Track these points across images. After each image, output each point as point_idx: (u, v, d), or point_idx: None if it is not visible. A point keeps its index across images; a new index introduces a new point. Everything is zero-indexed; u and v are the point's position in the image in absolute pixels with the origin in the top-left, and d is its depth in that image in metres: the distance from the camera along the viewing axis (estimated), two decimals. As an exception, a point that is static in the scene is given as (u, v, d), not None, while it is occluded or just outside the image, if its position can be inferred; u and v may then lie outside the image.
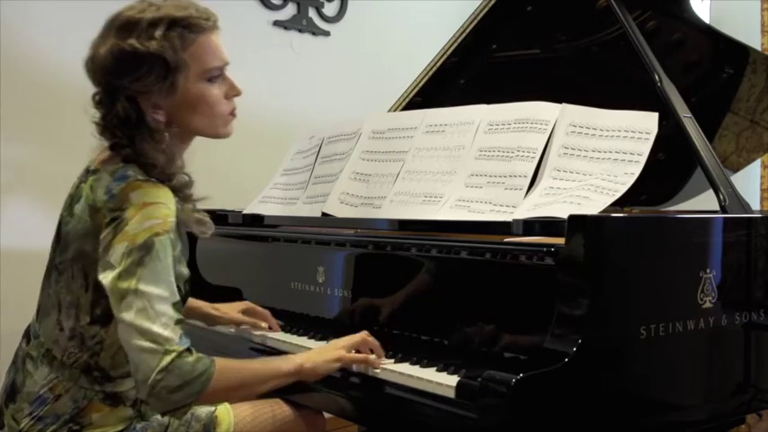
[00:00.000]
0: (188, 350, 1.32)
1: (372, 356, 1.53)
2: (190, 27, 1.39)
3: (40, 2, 2.61)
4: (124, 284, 1.30)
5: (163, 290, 1.32)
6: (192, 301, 1.87)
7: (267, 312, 1.88)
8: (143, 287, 1.30)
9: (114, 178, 1.37)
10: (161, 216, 1.33)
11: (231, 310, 1.88)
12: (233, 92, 1.48)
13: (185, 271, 1.44)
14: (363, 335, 1.56)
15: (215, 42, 1.43)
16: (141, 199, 1.33)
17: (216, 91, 1.45)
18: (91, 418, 1.41)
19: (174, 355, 1.29)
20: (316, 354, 1.53)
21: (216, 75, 1.44)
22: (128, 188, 1.34)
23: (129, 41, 1.35)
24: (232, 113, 1.49)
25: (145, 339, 1.29)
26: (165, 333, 1.30)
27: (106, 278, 1.33)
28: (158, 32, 1.36)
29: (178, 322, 1.33)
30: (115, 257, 1.31)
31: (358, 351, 1.55)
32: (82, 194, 1.41)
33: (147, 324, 1.29)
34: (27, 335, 1.51)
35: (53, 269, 1.45)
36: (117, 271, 1.31)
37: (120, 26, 1.38)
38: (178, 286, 1.37)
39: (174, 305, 1.34)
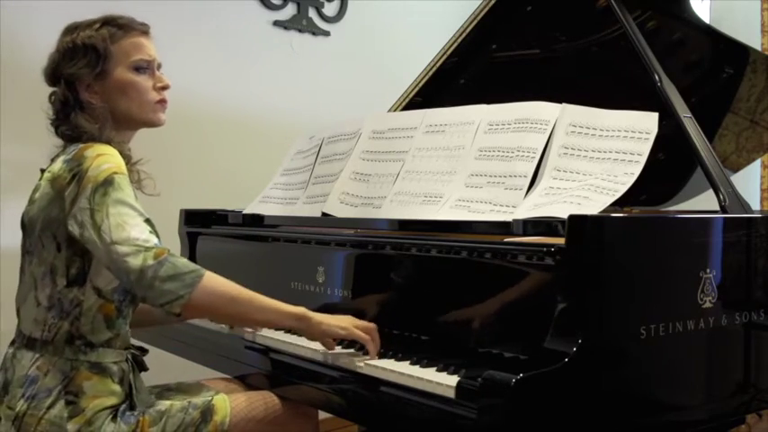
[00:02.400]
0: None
1: (374, 344, 1.56)
2: (120, 26, 1.60)
3: (41, 2, 2.61)
4: (97, 218, 1.43)
5: (129, 209, 1.45)
6: None
7: None
8: (112, 210, 1.44)
9: (68, 152, 1.53)
10: (115, 162, 1.49)
11: None
12: (160, 83, 1.64)
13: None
14: (374, 325, 1.59)
15: (143, 42, 1.63)
16: (95, 152, 1.49)
17: (143, 80, 1.61)
18: (83, 387, 1.47)
19: (156, 250, 1.42)
20: (327, 315, 1.59)
21: (143, 66, 1.61)
22: (81, 150, 1.50)
23: (71, 37, 1.58)
24: (161, 102, 1.64)
25: (125, 246, 1.41)
26: (143, 236, 1.43)
27: (81, 230, 1.43)
28: (94, 27, 1.59)
29: (152, 232, 1.46)
30: (83, 203, 1.44)
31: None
32: (40, 185, 1.55)
33: (123, 234, 1.42)
34: (13, 341, 1.57)
35: (24, 257, 1.58)
36: (89, 214, 1.43)
37: (67, 29, 1.61)
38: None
39: (147, 221, 1.47)
